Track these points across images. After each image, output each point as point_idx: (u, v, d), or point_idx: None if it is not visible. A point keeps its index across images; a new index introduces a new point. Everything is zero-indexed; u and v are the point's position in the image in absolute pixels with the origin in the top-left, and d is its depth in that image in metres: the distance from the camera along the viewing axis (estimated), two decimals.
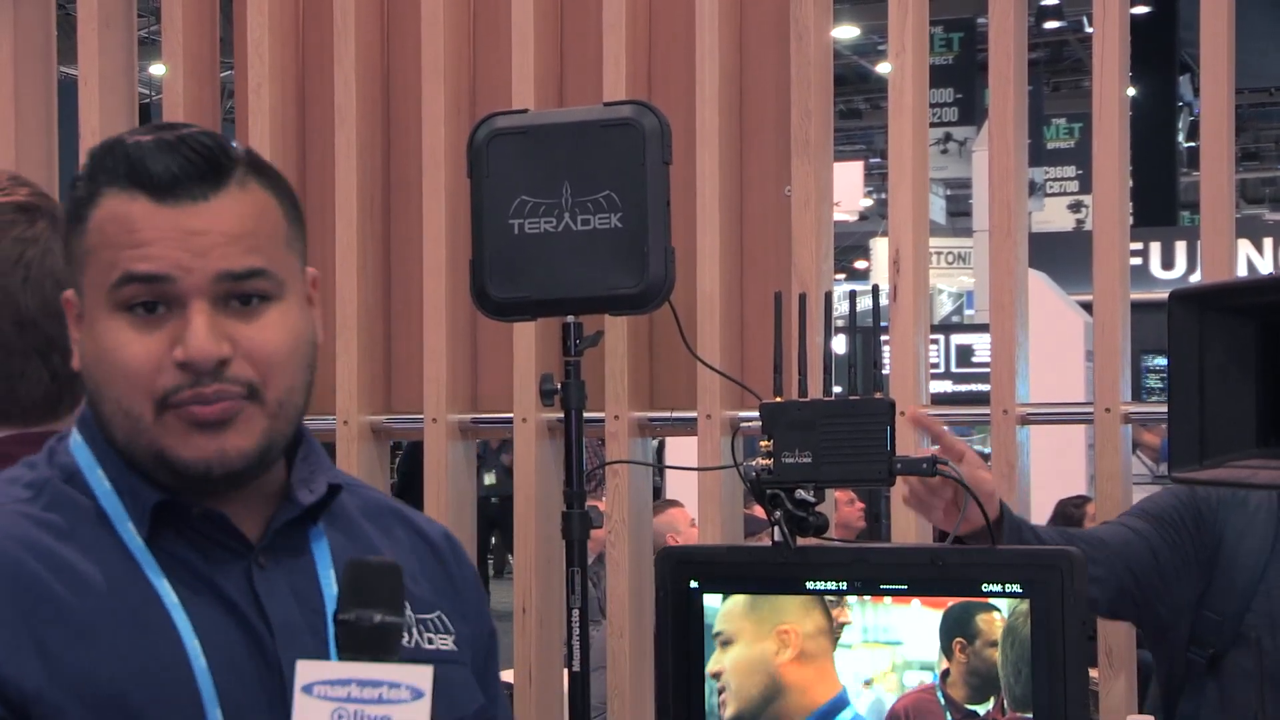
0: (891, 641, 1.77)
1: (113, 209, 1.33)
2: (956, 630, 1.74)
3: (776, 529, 1.81)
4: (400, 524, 1.53)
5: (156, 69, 11.09)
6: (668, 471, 7.11)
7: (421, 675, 1.21)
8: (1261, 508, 2.36)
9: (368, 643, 1.22)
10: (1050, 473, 5.86)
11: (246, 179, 1.36)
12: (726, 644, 1.81)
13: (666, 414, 3.31)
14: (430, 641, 1.45)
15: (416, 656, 1.41)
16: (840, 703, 1.78)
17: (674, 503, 5.84)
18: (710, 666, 1.81)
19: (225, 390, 1.32)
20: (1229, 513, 2.37)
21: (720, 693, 1.81)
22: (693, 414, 3.23)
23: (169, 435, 1.33)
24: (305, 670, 1.21)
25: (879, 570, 1.78)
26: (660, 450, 6.51)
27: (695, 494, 3.27)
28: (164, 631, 1.31)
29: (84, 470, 1.38)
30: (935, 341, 9.68)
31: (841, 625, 1.78)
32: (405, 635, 1.41)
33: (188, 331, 1.31)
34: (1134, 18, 3.17)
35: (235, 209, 1.34)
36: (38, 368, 1.65)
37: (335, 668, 1.21)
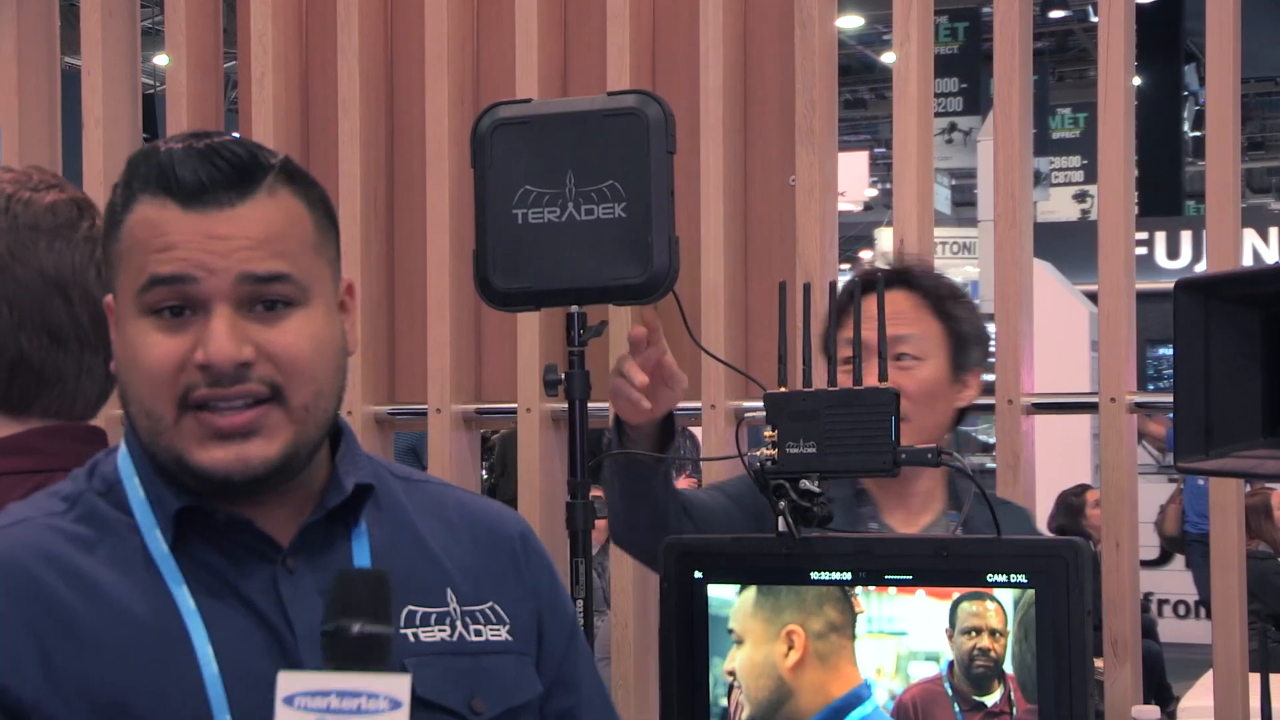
0: (897, 632, 1.76)
1: (144, 215, 1.35)
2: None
3: (780, 519, 1.80)
4: (464, 517, 1.54)
5: (160, 59, 11.09)
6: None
7: (399, 685, 1.21)
8: None
9: (349, 653, 1.23)
10: (1055, 463, 5.86)
11: (277, 187, 1.38)
12: (739, 643, 1.81)
13: None
14: (478, 633, 1.46)
15: (460, 649, 1.43)
16: (857, 696, 1.77)
17: None
18: (726, 665, 1.80)
19: (249, 390, 1.33)
20: None
21: (736, 691, 1.80)
22: (697, 404, 3.22)
23: (187, 440, 1.34)
24: (286, 681, 1.22)
25: (884, 561, 1.78)
26: None
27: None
28: (176, 640, 1.32)
29: (123, 480, 1.40)
30: None
31: (856, 615, 1.77)
32: (448, 628, 1.44)
33: (208, 333, 1.32)
34: (1139, 7, 3.16)
35: (262, 216, 1.36)
36: (101, 363, 1.66)
37: (315, 679, 1.22)
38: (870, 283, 2.46)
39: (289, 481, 1.39)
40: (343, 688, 1.21)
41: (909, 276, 2.47)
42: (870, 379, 2.35)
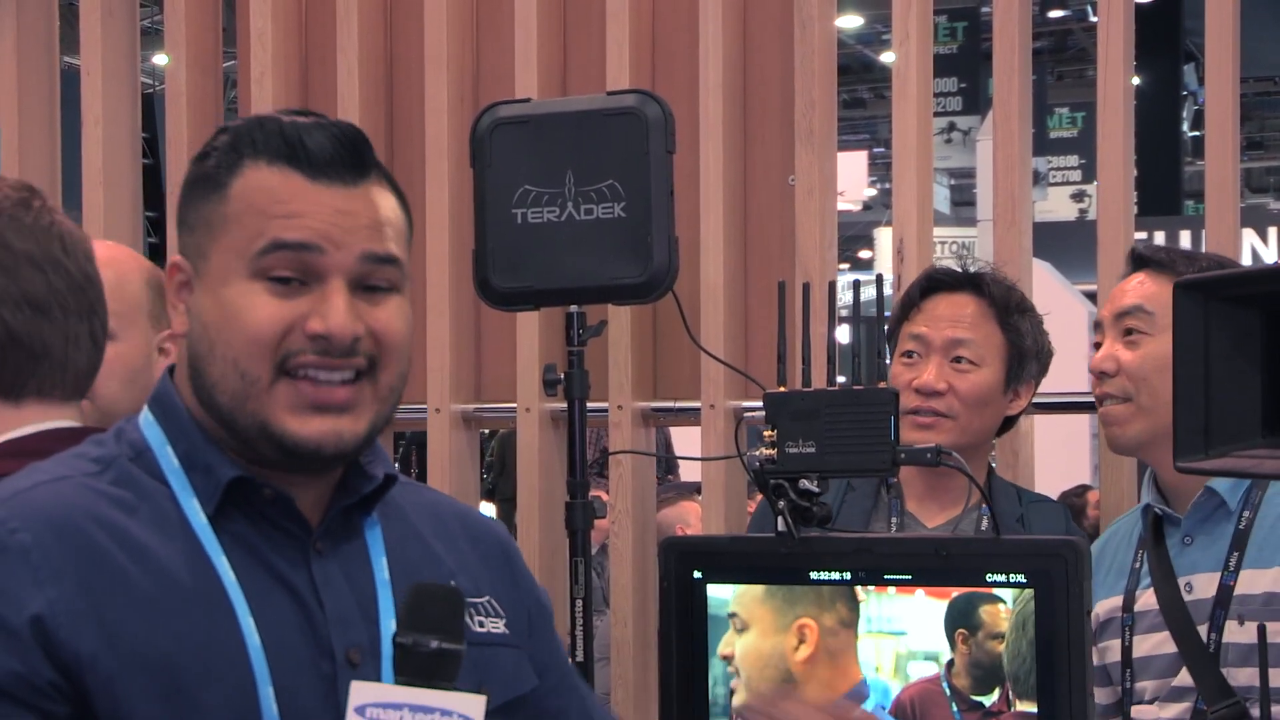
0: (896, 632, 1.76)
1: (261, 180, 1.37)
2: (961, 621, 1.74)
3: (780, 519, 1.80)
4: (454, 517, 1.57)
5: (159, 59, 11.08)
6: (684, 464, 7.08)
7: (475, 704, 1.22)
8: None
9: (424, 668, 1.23)
10: (1055, 462, 5.85)
11: (379, 177, 1.43)
12: (742, 629, 1.80)
13: (670, 404, 3.31)
14: (482, 625, 1.49)
15: (470, 639, 1.44)
16: (859, 694, 1.76)
17: (685, 494, 5.81)
18: (722, 648, 1.80)
19: (354, 364, 1.36)
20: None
21: (732, 677, 1.80)
22: (696, 404, 3.22)
23: (278, 406, 1.36)
24: (359, 692, 1.22)
25: (883, 560, 1.77)
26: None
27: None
28: (221, 608, 1.34)
29: (153, 448, 1.41)
30: None
31: (860, 608, 1.77)
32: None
33: (328, 306, 1.35)
34: (1138, 6, 3.16)
35: (376, 199, 1.41)
36: (85, 332, 1.67)
37: (389, 691, 1.22)
38: (937, 282, 2.51)
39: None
40: (416, 702, 1.21)
41: (979, 282, 2.52)
42: (929, 374, 2.40)
